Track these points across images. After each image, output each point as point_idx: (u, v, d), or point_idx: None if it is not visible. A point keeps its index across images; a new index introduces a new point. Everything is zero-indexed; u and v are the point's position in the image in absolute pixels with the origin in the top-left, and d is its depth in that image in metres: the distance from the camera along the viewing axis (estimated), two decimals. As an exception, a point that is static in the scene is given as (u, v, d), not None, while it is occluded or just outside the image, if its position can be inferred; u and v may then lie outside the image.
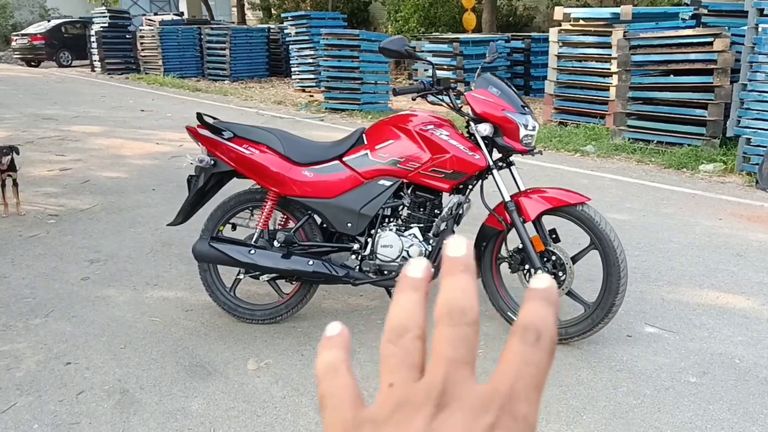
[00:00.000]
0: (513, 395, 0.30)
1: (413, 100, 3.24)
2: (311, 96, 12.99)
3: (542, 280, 0.33)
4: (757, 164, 6.12)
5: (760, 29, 6.19)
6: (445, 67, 11.33)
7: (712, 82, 6.98)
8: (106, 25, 18.02)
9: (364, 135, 3.25)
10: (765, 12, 6.17)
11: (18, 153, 5.21)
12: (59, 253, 4.44)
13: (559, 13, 9.19)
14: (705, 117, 7.09)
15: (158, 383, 2.90)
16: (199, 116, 3.34)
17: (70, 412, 2.68)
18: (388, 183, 3.14)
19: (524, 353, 0.31)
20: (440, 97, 3.19)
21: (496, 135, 3.10)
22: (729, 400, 2.66)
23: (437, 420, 0.30)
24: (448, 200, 3.17)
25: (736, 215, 5.20)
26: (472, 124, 3.12)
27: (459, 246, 0.34)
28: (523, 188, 3.16)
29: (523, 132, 3.05)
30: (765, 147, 6.06)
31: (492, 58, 3.43)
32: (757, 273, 3.97)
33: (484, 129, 3.07)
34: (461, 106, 3.22)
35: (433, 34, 13.55)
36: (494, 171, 3.11)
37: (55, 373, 2.96)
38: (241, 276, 3.42)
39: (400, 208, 3.22)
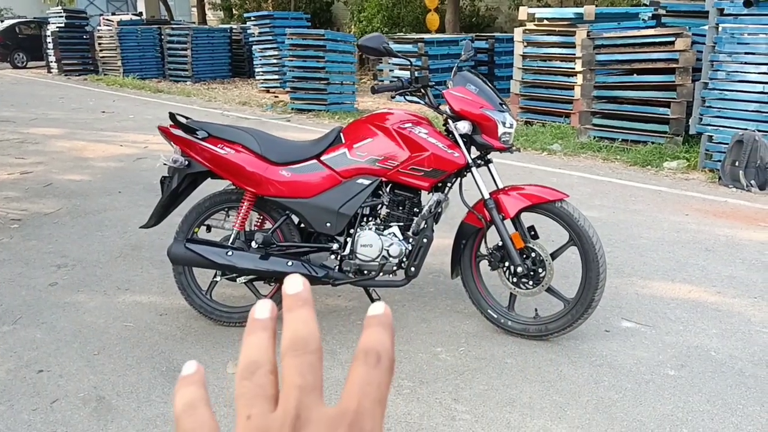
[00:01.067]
0: (359, 411, 0.33)
1: (392, 98, 3.24)
2: (276, 97, 12.89)
3: (378, 307, 0.37)
4: (719, 161, 6.26)
5: (720, 29, 6.33)
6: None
7: (674, 81, 7.13)
8: (63, 25, 17.62)
9: (341, 134, 3.22)
10: (725, 12, 6.31)
11: None
12: (24, 258, 4.31)
13: (523, 13, 9.28)
14: (668, 115, 7.23)
15: (135, 389, 2.82)
16: (172, 116, 3.27)
17: (45, 421, 2.59)
18: (366, 182, 3.12)
19: (367, 374, 0.34)
20: (418, 95, 3.18)
21: (474, 133, 3.10)
22: (708, 392, 2.71)
23: None
24: (428, 198, 3.16)
25: (701, 211, 5.31)
26: (450, 121, 3.12)
27: (296, 283, 0.37)
28: (501, 185, 3.17)
29: (501, 129, 3.06)
30: (726, 144, 6.20)
31: (467, 56, 3.44)
32: (726, 267, 4.05)
33: (463, 127, 3.07)
34: (439, 104, 3.21)
35: (398, 34, 13.55)
36: (473, 169, 3.12)
37: (27, 382, 2.86)
38: (218, 278, 3.36)
39: (379, 206, 3.20)
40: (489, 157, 3.22)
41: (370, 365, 0.34)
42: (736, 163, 6.00)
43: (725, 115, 6.41)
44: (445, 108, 3.16)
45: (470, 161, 3.10)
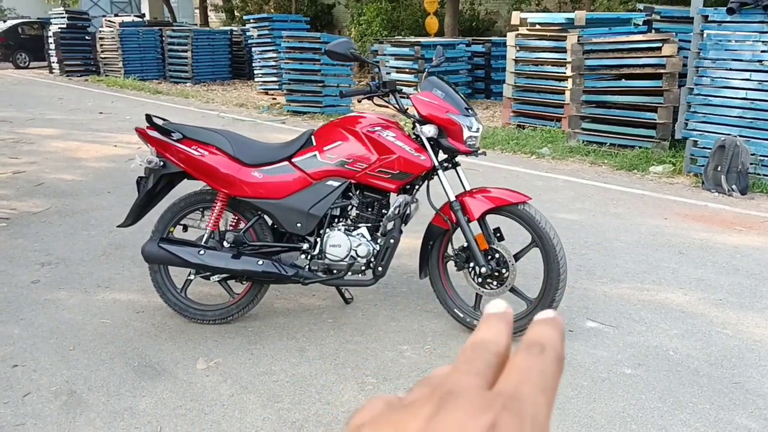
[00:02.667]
0: (516, 395, 0.31)
1: (359, 102, 3.31)
2: (274, 98, 12.99)
3: (548, 313, 0.36)
4: (704, 166, 6.32)
5: (704, 35, 6.40)
6: (407, 70, 11.44)
7: (661, 86, 7.20)
8: (65, 26, 17.75)
9: (313, 136, 3.30)
10: (709, 18, 6.37)
11: None
12: (9, 256, 4.40)
13: (516, 17, 9.37)
14: (655, 120, 7.30)
15: (106, 384, 2.90)
16: (149, 117, 3.35)
17: (15, 414, 2.68)
18: (336, 183, 3.20)
19: (528, 361, 0.33)
20: (387, 99, 3.26)
21: (441, 136, 3.17)
22: (661, 390, 2.78)
23: (438, 416, 0.31)
24: (395, 200, 3.24)
25: (681, 215, 5.37)
26: (417, 125, 3.20)
27: (498, 305, 0.37)
28: (468, 188, 3.25)
29: (466, 133, 3.13)
30: (710, 149, 6.26)
31: (438, 61, 3.51)
32: (696, 269, 4.12)
33: (429, 130, 3.15)
34: (407, 108, 3.29)
35: (396, 37, 13.63)
36: (440, 171, 3.19)
37: (1, 376, 2.94)
38: (192, 277, 3.44)
39: (349, 208, 3.28)
40: (456, 160, 3.29)
41: (532, 354, 0.33)
42: (719, 168, 6.06)
43: (710, 120, 6.48)
44: (413, 112, 3.24)
45: (436, 164, 3.17)
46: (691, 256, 4.35)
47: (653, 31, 8.14)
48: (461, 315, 3.30)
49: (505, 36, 11.15)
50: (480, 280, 3.18)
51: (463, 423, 0.30)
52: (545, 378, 0.32)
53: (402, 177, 3.16)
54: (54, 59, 18.43)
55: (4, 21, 23.60)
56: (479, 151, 3.24)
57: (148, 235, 3.45)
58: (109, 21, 17.89)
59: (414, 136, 3.24)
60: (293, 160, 3.26)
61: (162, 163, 3.31)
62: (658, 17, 8.31)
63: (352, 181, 3.21)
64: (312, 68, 10.95)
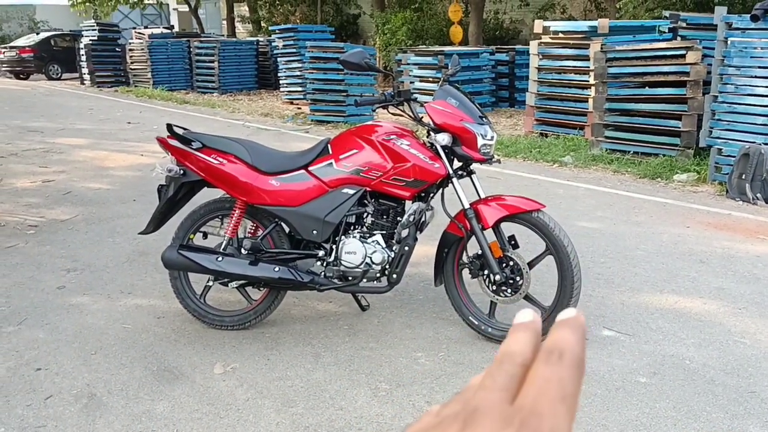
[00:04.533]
0: (534, 410, 0.31)
1: (373, 111, 3.36)
2: (299, 108, 13.12)
3: (569, 312, 0.36)
4: (728, 174, 6.25)
5: (729, 43, 6.34)
6: (430, 79, 11.47)
7: (685, 94, 7.13)
8: (96, 38, 18.11)
9: (329, 145, 3.35)
10: (734, 26, 6.31)
11: None
12: (37, 262, 4.51)
13: (538, 26, 9.36)
14: (679, 128, 7.23)
15: (126, 387, 2.97)
16: (169, 127, 3.43)
17: (37, 416, 2.75)
18: (351, 191, 3.24)
19: (547, 371, 0.33)
20: (401, 108, 3.30)
21: (455, 144, 3.20)
22: (675, 399, 2.76)
23: None
24: (409, 207, 3.27)
25: (703, 223, 5.31)
26: (432, 134, 3.23)
27: (526, 314, 0.38)
28: (483, 196, 3.26)
29: (480, 141, 3.15)
30: (735, 157, 6.19)
31: (454, 70, 3.55)
32: (716, 278, 4.07)
33: (443, 139, 3.18)
34: (422, 117, 3.33)
35: (419, 47, 13.70)
36: (454, 179, 3.22)
37: (25, 379, 3.03)
38: (211, 283, 3.51)
39: (364, 215, 3.32)
40: (471, 168, 3.31)
41: (551, 363, 0.33)
42: (743, 176, 5.99)
43: (734, 128, 6.41)
44: (427, 120, 3.27)
45: (451, 172, 3.20)
46: (712, 265, 4.31)
47: (678, 38, 8.07)
48: (476, 322, 3.31)
49: (530, 45, 11.16)
50: (494, 287, 3.19)
51: None
52: (564, 387, 0.32)
53: (416, 185, 3.19)
54: (85, 70, 18.81)
55: (38, 33, 24.15)
56: (493, 159, 3.26)
57: (170, 242, 3.53)
58: (139, 33, 18.25)
59: (428, 145, 3.27)
60: (310, 168, 3.31)
61: (182, 172, 3.38)
62: (683, 24, 8.24)
63: (368, 189, 3.25)
64: (336, 78, 11.05)
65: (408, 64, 11.84)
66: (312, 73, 11.31)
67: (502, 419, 0.31)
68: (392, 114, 3.40)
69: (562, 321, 0.36)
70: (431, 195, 3.31)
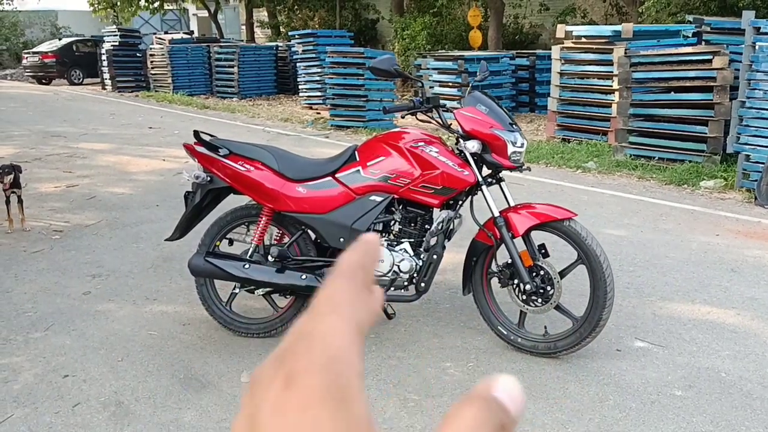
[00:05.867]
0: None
1: (402, 117, 3.32)
2: (318, 113, 13.12)
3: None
4: (756, 180, 6.14)
5: (757, 47, 6.24)
6: (450, 84, 11.43)
7: (712, 99, 7.03)
8: (117, 43, 18.27)
9: (356, 152, 3.32)
10: (762, 30, 6.22)
11: (21, 171, 5.31)
12: (62, 268, 4.52)
13: (561, 30, 9.28)
14: (705, 134, 7.12)
15: (153, 395, 2.95)
16: (196, 133, 3.42)
17: (66, 424, 2.74)
18: (379, 198, 3.21)
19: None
20: (430, 114, 3.26)
21: (484, 152, 3.16)
22: (712, 413, 2.69)
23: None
24: (438, 215, 3.23)
25: (733, 231, 5.22)
26: (461, 141, 3.19)
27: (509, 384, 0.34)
28: (512, 204, 3.22)
29: (510, 149, 3.11)
30: (763, 163, 6.08)
31: (482, 76, 3.50)
32: (749, 288, 3.99)
33: (473, 146, 3.14)
34: (451, 123, 3.29)
35: (439, 51, 13.66)
36: (483, 187, 3.17)
37: (53, 386, 3.02)
38: (237, 290, 3.49)
39: (392, 223, 3.29)
40: (501, 175, 3.27)
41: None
42: (773, 183, 5.88)
43: (763, 134, 6.30)
44: (456, 127, 3.23)
45: (480, 179, 3.16)
46: (744, 274, 4.22)
47: (703, 43, 7.97)
48: (505, 332, 3.26)
49: (550, 49, 11.10)
50: (524, 297, 3.14)
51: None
52: (335, 297, 0.34)
53: (445, 192, 3.15)
54: (106, 76, 18.96)
55: (60, 39, 24.42)
56: (523, 167, 3.21)
57: (194, 248, 3.51)
58: (160, 38, 18.35)
59: (457, 152, 3.23)
60: (337, 175, 3.28)
61: (209, 178, 3.37)
62: (708, 29, 8.13)
63: (395, 196, 3.22)
64: (356, 83, 11.04)
65: (427, 69, 11.80)
66: (332, 78, 11.30)
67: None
68: (420, 120, 3.36)
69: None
70: (460, 203, 3.27)
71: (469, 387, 2.97)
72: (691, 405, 2.76)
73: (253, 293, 3.47)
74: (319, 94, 13.58)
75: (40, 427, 2.72)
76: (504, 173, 3.30)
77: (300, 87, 14.38)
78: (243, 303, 3.71)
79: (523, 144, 3.16)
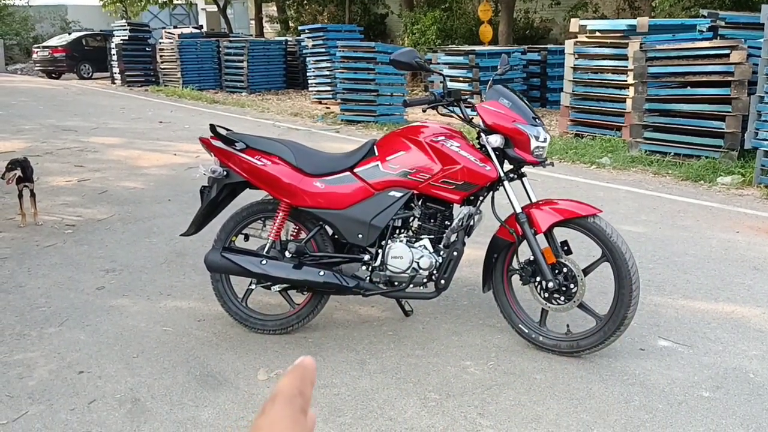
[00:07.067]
0: None
1: (423, 111, 3.26)
2: (327, 108, 13.07)
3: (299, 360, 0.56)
4: (776, 177, 6.05)
5: (777, 41, 6.14)
6: (461, 78, 11.35)
7: (729, 94, 6.93)
8: (126, 38, 18.27)
9: (375, 146, 3.26)
10: (782, 23, 6.11)
11: (29, 165, 5.25)
12: (75, 262, 4.49)
13: (575, 25, 9.18)
14: (723, 129, 7.03)
15: (169, 392, 2.91)
16: (212, 127, 3.37)
17: (81, 421, 2.70)
18: (398, 194, 3.15)
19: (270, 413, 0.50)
20: (451, 108, 3.20)
21: (507, 146, 3.09)
22: (742, 415, 2.63)
23: None
24: (459, 211, 3.17)
25: (753, 228, 5.14)
26: (482, 135, 3.12)
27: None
28: (534, 200, 3.15)
29: (534, 144, 3.04)
30: (783, 159, 5.99)
31: (503, 70, 3.44)
32: (773, 286, 3.92)
33: (495, 140, 3.07)
34: (472, 118, 3.22)
35: (450, 46, 13.57)
36: (505, 182, 3.11)
37: (68, 382, 2.98)
38: (253, 286, 3.44)
39: (411, 219, 3.23)
40: (522, 171, 3.20)
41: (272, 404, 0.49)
42: (793, 180, 5.79)
43: (782, 130, 6.20)
44: (477, 121, 3.17)
45: (502, 175, 3.09)
46: (767, 272, 4.14)
47: (718, 37, 7.86)
48: (526, 331, 3.19)
49: (561, 44, 11.00)
50: (546, 295, 3.07)
51: None
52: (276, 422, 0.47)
53: (466, 188, 3.09)
54: (116, 70, 18.98)
55: (70, 33, 24.42)
56: (547, 162, 3.14)
57: (207, 243, 3.47)
58: (169, 33, 18.33)
59: (478, 146, 3.17)
60: (355, 170, 3.23)
61: (225, 173, 3.32)
62: (722, 23, 8.02)
63: (415, 192, 3.16)
64: (366, 77, 10.99)
65: (438, 63, 11.73)
66: (342, 72, 11.25)
67: None
68: (441, 114, 3.29)
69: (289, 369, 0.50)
70: (481, 198, 3.20)
71: (490, 387, 2.92)
72: (720, 407, 2.69)
73: (270, 289, 3.42)
74: (328, 88, 13.53)
75: (55, 424, 2.67)
76: (523, 169, 3.23)
77: (309, 82, 14.33)
78: (259, 299, 3.67)
79: (546, 139, 3.09)
